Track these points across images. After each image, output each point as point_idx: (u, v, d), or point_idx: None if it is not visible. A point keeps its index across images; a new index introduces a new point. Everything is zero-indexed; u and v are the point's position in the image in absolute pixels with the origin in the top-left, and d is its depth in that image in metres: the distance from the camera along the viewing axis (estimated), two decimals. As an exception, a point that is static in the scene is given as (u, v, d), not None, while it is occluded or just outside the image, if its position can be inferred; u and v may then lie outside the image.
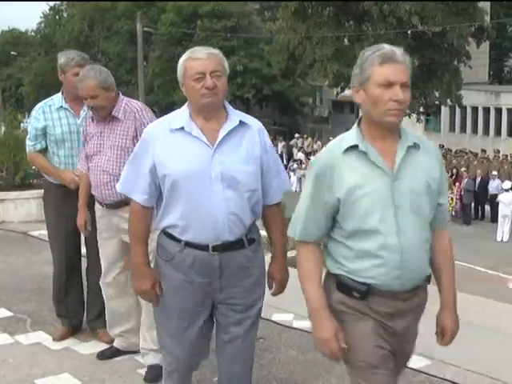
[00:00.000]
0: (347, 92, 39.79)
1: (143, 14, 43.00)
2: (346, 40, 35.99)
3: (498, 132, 40.66)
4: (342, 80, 36.39)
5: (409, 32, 34.59)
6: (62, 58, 5.51)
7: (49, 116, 5.58)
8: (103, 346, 5.59)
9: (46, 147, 5.67)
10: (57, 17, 71.26)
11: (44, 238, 10.65)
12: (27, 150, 5.72)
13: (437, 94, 36.19)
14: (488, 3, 41.85)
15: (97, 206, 5.12)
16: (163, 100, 48.47)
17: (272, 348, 5.61)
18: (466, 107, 41.04)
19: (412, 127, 39.99)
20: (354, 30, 35.48)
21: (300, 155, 35.91)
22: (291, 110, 49.85)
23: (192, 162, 3.52)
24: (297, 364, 5.30)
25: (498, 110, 40.64)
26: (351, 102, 43.48)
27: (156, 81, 48.56)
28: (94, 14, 57.75)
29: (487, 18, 39.31)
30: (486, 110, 41.30)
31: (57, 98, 5.65)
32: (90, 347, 5.68)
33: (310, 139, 42.45)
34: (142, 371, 5.08)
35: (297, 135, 43.20)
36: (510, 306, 8.87)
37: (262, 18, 51.32)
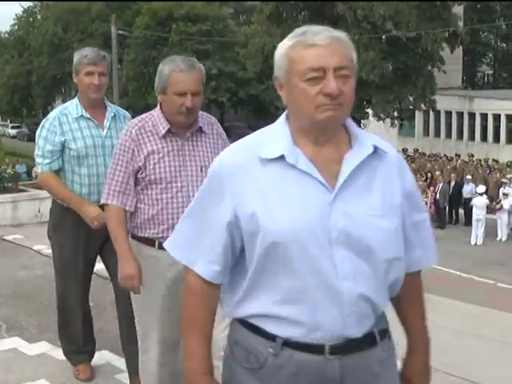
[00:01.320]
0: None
1: (118, 17, 42.87)
2: (320, 44, 36.08)
3: (471, 136, 41.00)
4: (317, 84, 36.50)
5: (383, 37, 34.77)
6: (75, 57, 4.74)
7: (67, 127, 4.67)
8: (80, 351, 5.55)
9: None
10: (30, 19, 70.87)
11: (19, 242, 10.61)
12: (39, 170, 4.76)
13: (411, 98, 36.43)
14: (461, 8, 42.18)
15: (146, 250, 3.92)
16: (137, 104, 48.28)
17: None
18: (439, 112, 41.37)
19: (386, 132, 40.28)
20: (329, 34, 35.57)
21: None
22: (266, 114, 49.78)
23: (301, 213, 2.20)
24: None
25: (472, 115, 40.99)
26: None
27: (130, 84, 48.41)
28: (68, 16, 57.46)
29: (461, 24, 39.65)
30: (460, 115, 41.63)
31: (73, 106, 4.75)
32: (67, 352, 5.65)
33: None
34: (120, 376, 5.07)
35: (271, 139, 43.12)
36: (483, 308, 8.97)
37: (236, 21, 51.38)
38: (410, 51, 35.37)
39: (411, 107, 37.61)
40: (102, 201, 3.92)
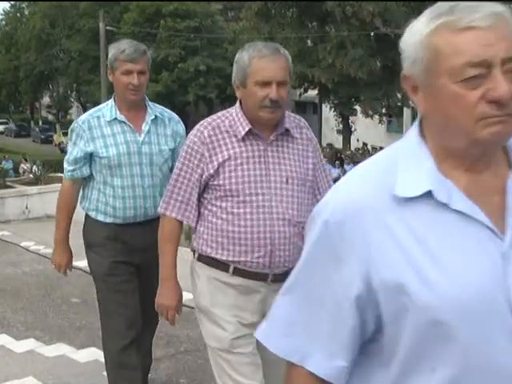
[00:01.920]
0: (310, 93, 39.94)
1: (106, 13, 42.75)
2: (309, 41, 36.08)
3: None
4: (305, 81, 36.50)
5: (371, 34, 34.78)
6: (111, 51, 4.11)
7: (98, 132, 4.08)
8: (68, 349, 5.53)
9: (91, 174, 4.19)
10: (18, 14, 70.60)
11: (6, 239, 10.55)
12: (64, 176, 4.25)
13: (399, 95, 36.43)
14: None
15: (216, 275, 3.28)
16: (126, 100, 48.19)
17: (238, 349, 5.58)
18: (427, 109, 41.37)
19: (374, 128, 40.34)
20: (317, 31, 35.57)
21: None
22: (254, 111, 49.79)
23: (469, 274, 1.47)
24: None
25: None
26: (314, 103, 43.67)
27: (119, 80, 48.18)
28: (55, 11, 57.26)
29: (448, 21, 39.67)
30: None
31: (107, 108, 4.16)
32: (55, 350, 5.62)
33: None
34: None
35: (260, 135, 43.07)
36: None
37: (225, 18, 51.27)
38: (399, 48, 35.31)
39: (399, 104, 37.61)
40: (160, 210, 3.38)
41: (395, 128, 44.62)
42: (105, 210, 4.13)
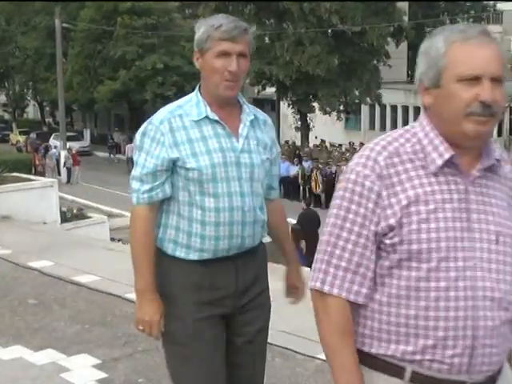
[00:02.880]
0: (268, 90, 39.99)
1: (62, 10, 42.34)
2: (266, 38, 36.12)
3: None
4: (263, 78, 36.55)
5: (329, 31, 34.93)
6: (200, 28, 3.10)
7: (183, 136, 3.04)
8: (24, 351, 5.45)
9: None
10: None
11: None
12: (134, 199, 3.09)
13: (357, 92, 36.67)
14: (406, 4, 42.61)
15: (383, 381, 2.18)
16: (83, 97, 47.81)
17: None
18: (385, 106, 41.72)
19: (332, 125, 40.53)
20: (275, 28, 35.63)
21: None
22: (213, 108, 49.72)
23: None
24: (222, 363, 5.26)
25: (417, 109, 41.34)
26: (272, 100, 43.73)
27: (75, 78, 47.82)
28: (10, 8, 56.50)
29: (406, 19, 40.02)
30: (405, 109, 42.03)
31: (191, 104, 3.12)
32: (11, 352, 5.54)
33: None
34: (65, 375, 4.98)
35: (218, 133, 42.99)
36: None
37: (182, 15, 51.06)
38: (356, 45, 35.58)
39: (357, 101, 37.85)
40: (315, 285, 2.20)
41: (353, 125, 44.91)
42: (188, 242, 3.08)
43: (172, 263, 3.11)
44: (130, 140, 44.56)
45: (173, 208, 3.11)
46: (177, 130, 3.04)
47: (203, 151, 3.03)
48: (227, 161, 3.05)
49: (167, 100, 47.88)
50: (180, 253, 3.09)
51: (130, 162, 39.13)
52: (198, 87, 3.16)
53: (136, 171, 3.08)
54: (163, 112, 3.10)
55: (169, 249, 3.12)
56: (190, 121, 3.06)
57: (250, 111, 3.19)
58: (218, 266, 3.09)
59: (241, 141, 3.10)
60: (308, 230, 13.68)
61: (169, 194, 3.08)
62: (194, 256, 3.07)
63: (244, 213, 3.08)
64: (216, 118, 3.06)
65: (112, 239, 14.92)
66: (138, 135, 3.12)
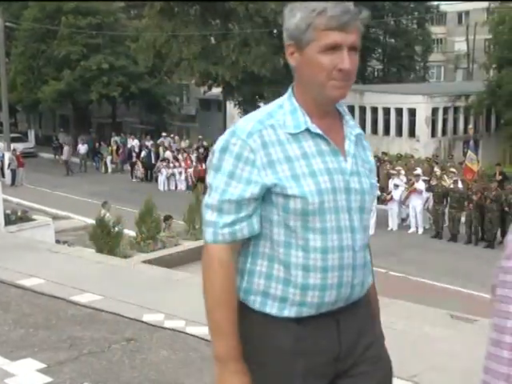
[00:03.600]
0: (215, 90, 39.99)
1: (5, 9, 41.76)
2: (212, 39, 36.11)
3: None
4: (208, 78, 36.52)
5: (274, 31, 35.05)
6: (295, 14, 2.33)
7: (279, 153, 2.32)
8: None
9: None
10: None
11: None
12: (208, 236, 2.36)
13: (302, 92, 36.85)
14: (352, 4, 42.89)
15: None
16: (27, 98, 47.19)
17: (143, 349, 5.56)
18: (330, 105, 42.00)
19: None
20: (221, 28, 35.65)
21: (168, 154, 35.77)
22: (158, 109, 49.52)
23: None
24: (169, 364, 5.26)
25: (363, 109, 41.79)
26: (218, 101, 43.74)
27: (19, 78, 47.17)
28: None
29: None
30: (351, 109, 42.30)
31: (285, 112, 2.38)
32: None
33: (177, 138, 42.34)
34: (9, 380, 4.92)
35: (164, 134, 42.98)
36: (391, 300, 9.16)
37: (127, 15, 50.78)
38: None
39: (303, 101, 38.06)
40: None
41: (299, 125, 45.11)
42: (283, 295, 2.36)
43: (260, 322, 2.39)
44: (76, 141, 44.19)
45: (262, 249, 2.39)
46: (271, 145, 2.31)
47: (306, 173, 2.31)
48: (335, 186, 2.35)
49: (113, 100, 47.71)
50: (271, 308, 2.37)
51: (69, 165, 38.78)
52: (290, 90, 2.44)
53: (212, 198, 2.34)
54: (250, 121, 2.36)
55: (256, 303, 2.39)
56: (286, 133, 2.33)
57: (354, 123, 2.55)
58: (318, 325, 2.40)
59: (349, 160, 2.42)
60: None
61: (257, 231, 2.36)
62: (290, 312, 2.36)
63: (355, 253, 2.40)
64: (318, 130, 2.36)
65: (57, 241, 14.78)
66: (215, 152, 2.36)
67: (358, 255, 2.40)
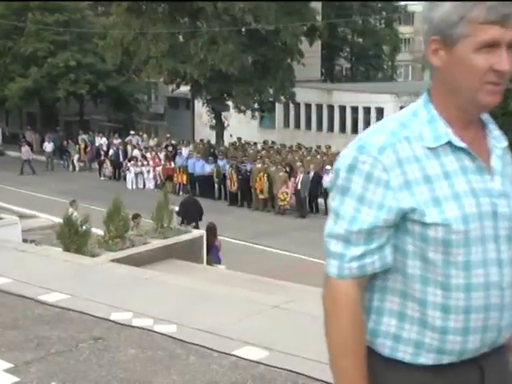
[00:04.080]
0: (183, 88, 39.86)
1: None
2: (180, 37, 35.99)
3: (330, 128, 41.95)
4: (177, 76, 36.41)
5: (243, 30, 35.03)
6: (445, 3, 1.95)
7: (416, 172, 1.98)
8: None
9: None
10: None
11: None
12: (334, 269, 2.01)
13: (271, 91, 36.89)
14: (320, 4, 43.06)
15: None
16: (-8, 96, 46.70)
17: (111, 348, 5.53)
18: (299, 104, 42.08)
19: (247, 124, 40.65)
20: (189, 26, 35.54)
21: (136, 152, 35.62)
22: (126, 107, 49.24)
23: None
24: (137, 362, 5.25)
25: (331, 107, 41.92)
26: (187, 99, 43.63)
27: (-16, 75, 46.62)
28: None
29: (319, 18, 40.49)
30: (319, 107, 42.48)
31: (419, 122, 2.04)
32: None
33: (145, 136, 42.16)
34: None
35: (132, 132, 42.78)
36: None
37: (94, 12, 50.43)
38: (270, 44, 35.80)
39: (271, 99, 38.09)
40: None
41: (267, 123, 45.15)
42: (419, 338, 2.03)
43: (390, 370, 2.05)
44: (42, 139, 43.80)
45: (392, 284, 2.05)
46: (406, 162, 1.97)
47: (448, 196, 1.97)
48: (482, 211, 1.99)
49: (80, 98, 47.35)
50: (404, 354, 2.03)
51: (27, 164, 38.24)
52: (426, 95, 2.09)
53: (339, 226, 2.01)
54: (381, 133, 2.01)
55: (385, 347, 2.05)
56: (424, 147, 1.99)
57: (499, 134, 2.15)
58: (458, 374, 2.04)
59: (496, 179, 2.04)
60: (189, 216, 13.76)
61: (389, 264, 2.02)
62: (426, 359, 2.02)
63: (502, 291, 2.02)
64: (462, 144, 2.00)
65: (24, 240, 14.62)
66: (341, 171, 2.02)
67: (506, 293, 2.02)
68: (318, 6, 41.39)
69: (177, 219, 21.25)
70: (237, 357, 5.26)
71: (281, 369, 5.12)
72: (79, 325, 6.08)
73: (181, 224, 14.93)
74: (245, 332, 5.89)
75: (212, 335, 5.75)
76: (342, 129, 41.42)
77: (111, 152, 36.71)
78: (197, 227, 15.97)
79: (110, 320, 6.16)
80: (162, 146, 36.27)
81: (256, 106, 37.69)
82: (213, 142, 37.89)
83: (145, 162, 33.60)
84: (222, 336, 5.68)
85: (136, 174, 33.42)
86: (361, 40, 60.15)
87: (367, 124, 40.23)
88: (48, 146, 41.00)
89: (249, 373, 5.01)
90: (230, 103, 36.91)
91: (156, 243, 11.82)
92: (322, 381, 4.79)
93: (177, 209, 17.88)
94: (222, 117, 38.03)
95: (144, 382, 4.91)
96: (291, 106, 42.36)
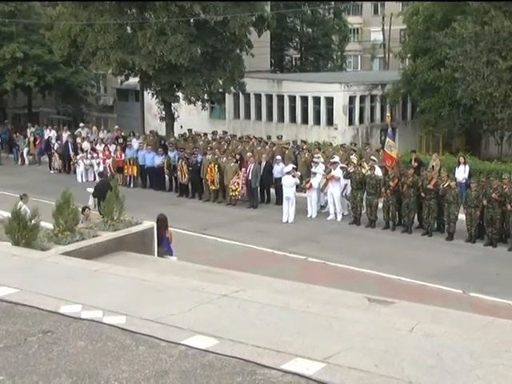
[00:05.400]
0: (132, 80, 39.58)
1: None
2: (128, 28, 35.69)
3: (281, 118, 42.06)
4: (125, 68, 36.12)
5: (191, 20, 34.87)
6: None
7: None
8: None
9: None
10: None
11: None
12: None
13: (220, 81, 36.82)
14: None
15: None
16: None
17: (60, 340, 5.51)
18: (249, 95, 42.12)
19: (197, 115, 40.57)
20: (137, 17, 35.26)
21: (85, 145, 35.26)
22: (75, 99, 48.77)
23: None
24: (86, 354, 5.24)
25: (281, 97, 42.03)
26: (136, 91, 43.35)
27: None
28: None
29: (267, 9, 40.49)
30: (269, 98, 42.56)
31: None
32: None
33: (95, 128, 41.77)
34: None
35: (81, 125, 42.35)
36: (293, 282, 9.29)
37: (41, 3, 49.74)
38: (219, 35, 35.70)
39: (221, 90, 38.02)
40: None
41: (218, 114, 45.14)
42: None
43: None
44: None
45: None
46: None
47: None
48: None
49: (28, 90, 46.70)
50: None
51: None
52: None
53: None
54: None
55: None
56: None
57: None
58: None
59: None
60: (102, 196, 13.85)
61: None
62: None
63: None
64: None
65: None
66: None
67: None
68: (266, -4, 41.39)
69: (93, 200, 21.45)
70: (186, 346, 5.29)
71: (230, 357, 5.15)
72: (28, 318, 6.04)
73: (98, 205, 16.14)
74: (194, 321, 5.91)
75: (161, 325, 5.77)
76: (293, 119, 41.59)
77: (57, 146, 36.14)
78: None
79: (59, 313, 6.13)
80: (111, 138, 35.89)
81: (206, 96, 37.57)
82: (163, 133, 37.73)
83: (95, 155, 33.30)
84: (172, 326, 5.70)
85: (86, 167, 33.12)
86: (310, 30, 60.33)
87: (317, 114, 40.51)
88: (-4, 140, 40.43)
89: (198, 361, 5.04)
90: (179, 94, 36.75)
91: (106, 235, 11.74)
92: (271, 367, 4.84)
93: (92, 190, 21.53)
94: (172, 108, 37.86)
95: (93, 373, 4.90)
96: (241, 96, 42.38)
